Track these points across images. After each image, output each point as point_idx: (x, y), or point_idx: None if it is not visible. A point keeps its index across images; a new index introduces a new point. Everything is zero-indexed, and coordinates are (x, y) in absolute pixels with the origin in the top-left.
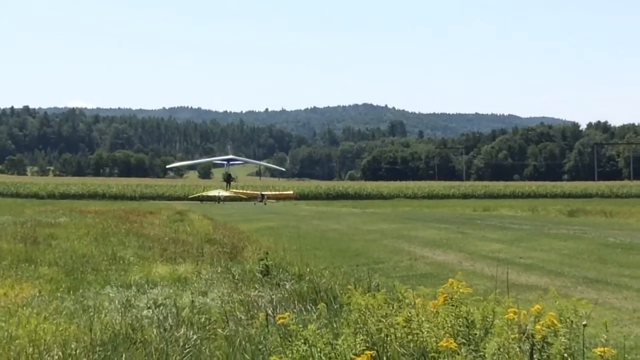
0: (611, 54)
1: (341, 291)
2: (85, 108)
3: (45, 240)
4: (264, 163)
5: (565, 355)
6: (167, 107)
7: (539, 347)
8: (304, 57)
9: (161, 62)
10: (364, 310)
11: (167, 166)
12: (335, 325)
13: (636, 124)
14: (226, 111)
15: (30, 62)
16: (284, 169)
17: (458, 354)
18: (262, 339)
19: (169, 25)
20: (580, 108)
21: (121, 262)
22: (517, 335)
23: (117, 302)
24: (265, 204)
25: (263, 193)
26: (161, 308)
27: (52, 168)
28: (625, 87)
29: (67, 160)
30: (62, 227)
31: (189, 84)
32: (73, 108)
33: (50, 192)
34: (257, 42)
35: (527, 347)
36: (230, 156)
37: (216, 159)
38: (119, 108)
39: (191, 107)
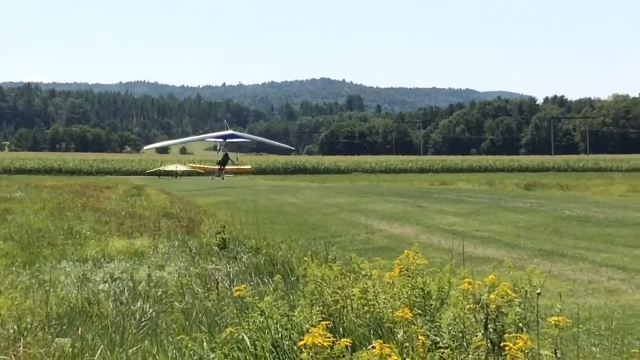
0: (567, 28)
1: (298, 264)
2: (41, 83)
3: (1, 215)
4: (268, 140)
5: (520, 324)
6: (123, 82)
7: (493, 316)
8: (261, 31)
9: (117, 37)
10: (320, 281)
11: (145, 147)
12: (291, 297)
13: (592, 98)
14: (183, 86)
15: None
16: (292, 148)
17: (414, 324)
18: (218, 311)
19: None
20: (537, 82)
21: (77, 236)
22: (472, 305)
23: (73, 276)
24: (222, 178)
25: (221, 167)
26: (117, 282)
27: (7, 143)
28: (582, 62)
29: (23, 135)
30: (17, 202)
31: (146, 58)
32: (29, 83)
33: (6, 167)
34: (214, 16)
35: (482, 317)
36: (230, 132)
37: (210, 136)
38: (75, 83)
39: (148, 82)
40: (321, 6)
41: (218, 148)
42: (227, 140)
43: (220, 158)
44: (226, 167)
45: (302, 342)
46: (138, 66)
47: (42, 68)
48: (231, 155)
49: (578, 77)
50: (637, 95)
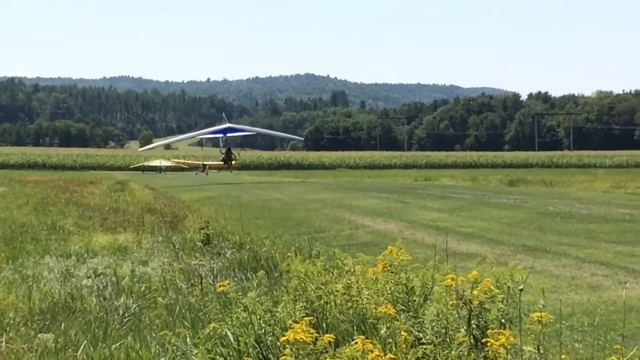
0: (552, 25)
1: (282, 259)
2: (25, 77)
3: None
4: (273, 132)
5: (503, 320)
6: (107, 77)
7: (476, 312)
8: (246, 27)
9: (102, 31)
10: (303, 277)
11: (140, 149)
12: (275, 293)
13: (576, 95)
14: (167, 81)
15: None
16: (301, 138)
17: (397, 320)
18: (202, 306)
19: None
20: (521, 79)
21: (61, 231)
22: (455, 301)
23: (56, 271)
24: (207, 174)
25: (205, 163)
26: (101, 277)
27: None
28: (566, 58)
29: (7, 130)
30: (0, 197)
31: (130, 53)
32: (12, 77)
33: None
34: (199, 12)
35: (465, 313)
36: (228, 125)
37: (207, 131)
38: (59, 77)
39: (132, 77)
40: (307, 2)
41: (221, 145)
42: (228, 134)
43: (224, 154)
44: (207, 163)
45: (284, 338)
46: (122, 61)
47: (25, 63)
48: (233, 150)
49: (562, 74)
50: (621, 92)
